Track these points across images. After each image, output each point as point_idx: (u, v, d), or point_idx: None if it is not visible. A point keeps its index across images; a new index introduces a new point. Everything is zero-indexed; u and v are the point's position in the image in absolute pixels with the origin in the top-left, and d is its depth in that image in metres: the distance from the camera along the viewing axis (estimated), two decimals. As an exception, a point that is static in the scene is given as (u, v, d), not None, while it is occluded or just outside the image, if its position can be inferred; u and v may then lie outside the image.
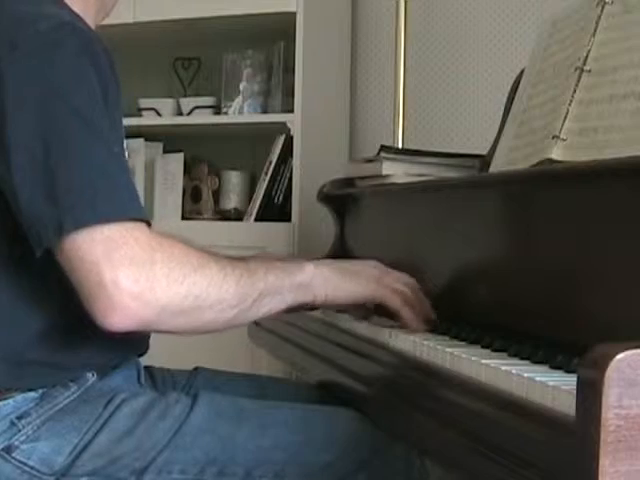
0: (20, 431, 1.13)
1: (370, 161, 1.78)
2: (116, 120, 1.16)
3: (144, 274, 1.05)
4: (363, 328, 1.36)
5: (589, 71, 1.24)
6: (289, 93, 2.55)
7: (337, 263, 1.32)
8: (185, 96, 2.86)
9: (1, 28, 1.11)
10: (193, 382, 1.42)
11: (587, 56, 1.25)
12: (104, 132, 1.10)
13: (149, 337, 1.31)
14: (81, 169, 1.07)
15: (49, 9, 1.15)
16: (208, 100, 2.78)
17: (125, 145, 1.26)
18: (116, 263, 1.04)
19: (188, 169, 2.86)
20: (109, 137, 1.10)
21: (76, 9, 1.22)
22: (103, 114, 1.11)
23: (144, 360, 1.37)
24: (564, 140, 1.22)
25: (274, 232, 2.51)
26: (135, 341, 1.28)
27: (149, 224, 1.10)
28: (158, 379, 1.41)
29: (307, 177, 2.49)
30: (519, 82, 1.50)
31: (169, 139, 2.89)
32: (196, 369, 1.46)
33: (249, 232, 2.57)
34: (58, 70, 1.09)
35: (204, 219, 2.79)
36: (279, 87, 2.64)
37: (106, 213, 1.05)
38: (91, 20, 1.27)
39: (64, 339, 1.17)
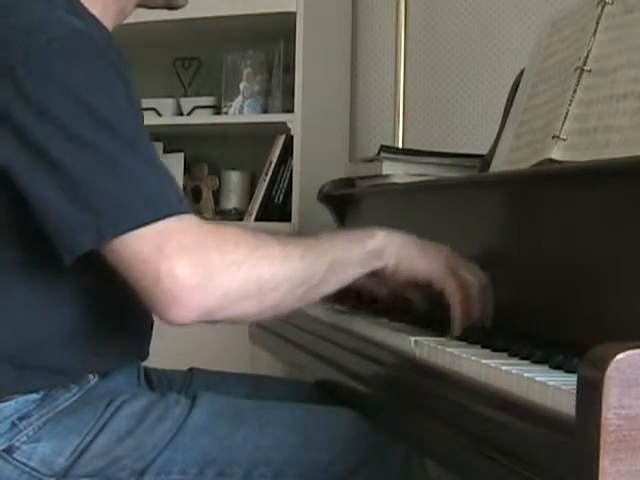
0: (21, 432, 1.13)
1: (370, 161, 1.78)
2: (139, 116, 1.13)
3: (200, 262, 1.03)
4: (363, 328, 1.35)
5: (589, 71, 1.24)
6: (289, 93, 2.55)
7: (411, 237, 1.23)
8: (185, 96, 2.86)
9: (14, 35, 1.09)
10: (190, 383, 1.42)
11: (587, 56, 1.25)
12: (131, 136, 1.07)
13: (149, 342, 1.31)
14: (113, 177, 1.04)
15: (62, 15, 1.13)
16: (208, 100, 2.78)
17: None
18: (169, 255, 1.01)
19: (188, 169, 2.86)
20: (136, 139, 1.08)
21: (94, 11, 1.21)
22: (128, 116, 1.09)
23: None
24: (564, 140, 1.22)
25: (274, 232, 2.50)
26: (136, 346, 1.28)
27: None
28: (154, 380, 1.40)
29: (307, 177, 2.49)
30: (519, 82, 1.50)
31: (169, 139, 2.89)
32: (191, 370, 1.46)
33: (249, 232, 2.57)
34: (77, 79, 1.06)
35: (204, 219, 2.79)
36: (279, 87, 2.64)
37: (145, 215, 1.03)
38: (109, 23, 1.27)
39: (68, 345, 1.16)
